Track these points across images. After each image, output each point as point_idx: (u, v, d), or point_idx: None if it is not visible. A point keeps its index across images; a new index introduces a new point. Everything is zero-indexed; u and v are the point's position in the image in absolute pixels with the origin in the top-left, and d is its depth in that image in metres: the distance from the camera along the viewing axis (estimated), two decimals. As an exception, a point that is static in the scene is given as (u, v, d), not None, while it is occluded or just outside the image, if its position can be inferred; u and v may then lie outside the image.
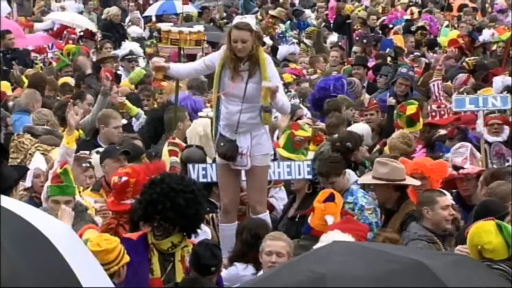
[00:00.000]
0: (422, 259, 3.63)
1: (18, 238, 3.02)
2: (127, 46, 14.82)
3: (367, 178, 7.00)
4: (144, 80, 11.66)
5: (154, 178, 5.28)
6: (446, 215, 6.10)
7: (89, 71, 12.01)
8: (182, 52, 10.66)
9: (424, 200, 6.27)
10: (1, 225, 3.01)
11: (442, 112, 9.14)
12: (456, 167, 7.28)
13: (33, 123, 8.87)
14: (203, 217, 5.23)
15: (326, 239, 5.16)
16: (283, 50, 15.40)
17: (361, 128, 8.95)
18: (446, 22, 18.83)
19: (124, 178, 5.74)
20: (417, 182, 6.74)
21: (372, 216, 6.83)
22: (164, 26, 11.33)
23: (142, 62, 13.50)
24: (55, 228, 3.32)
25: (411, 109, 8.99)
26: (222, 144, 6.73)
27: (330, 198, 6.16)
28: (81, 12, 20.66)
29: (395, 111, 9.31)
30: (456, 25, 18.84)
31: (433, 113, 9.17)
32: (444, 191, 6.47)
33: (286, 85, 10.61)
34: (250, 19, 6.94)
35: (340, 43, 15.77)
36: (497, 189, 6.53)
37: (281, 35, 15.20)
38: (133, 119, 9.82)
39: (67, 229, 3.73)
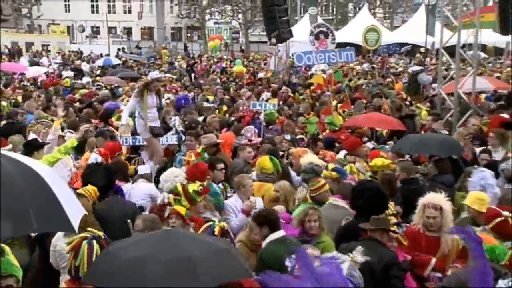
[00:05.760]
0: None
1: (15, 169, 3.71)
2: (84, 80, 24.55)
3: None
4: None
5: None
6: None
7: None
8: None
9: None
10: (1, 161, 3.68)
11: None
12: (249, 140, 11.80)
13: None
14: None
15: None
16: None
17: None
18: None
19: None
20: (206, 140, 10.81)
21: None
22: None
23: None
24: (43, 168, 4.06)
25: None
26: (158, 128, 11.42)
27: None
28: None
29: None
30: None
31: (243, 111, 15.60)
32: None
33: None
34: (157, 72, 13.15)
35: None
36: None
37: None
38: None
39: (51, 169, 4.58)
